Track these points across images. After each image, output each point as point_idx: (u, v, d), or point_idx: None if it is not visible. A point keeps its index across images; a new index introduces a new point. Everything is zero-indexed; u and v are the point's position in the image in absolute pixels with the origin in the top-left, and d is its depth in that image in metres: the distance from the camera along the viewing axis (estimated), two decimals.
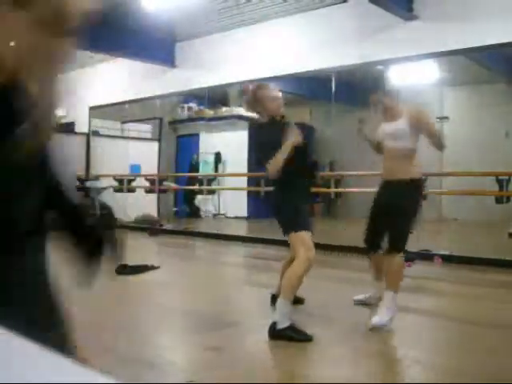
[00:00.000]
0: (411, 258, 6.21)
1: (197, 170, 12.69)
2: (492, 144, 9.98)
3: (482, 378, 2.55)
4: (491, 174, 6.69)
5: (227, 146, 12.87)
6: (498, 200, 6.52)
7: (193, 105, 13.32)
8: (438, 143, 3.51)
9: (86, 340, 3.30)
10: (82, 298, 4.48)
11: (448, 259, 6.04)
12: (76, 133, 11.36)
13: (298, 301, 3.60)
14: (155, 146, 11.39)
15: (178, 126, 13.64)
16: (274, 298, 3.54)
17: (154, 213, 11.06)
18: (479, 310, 4.05)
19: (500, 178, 6.30)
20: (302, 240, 3.22)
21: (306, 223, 3.34)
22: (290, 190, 3.38)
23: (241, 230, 10.74)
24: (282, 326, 3.05)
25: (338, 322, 3.60)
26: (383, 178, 3.71)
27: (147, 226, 9.85)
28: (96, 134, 11.33)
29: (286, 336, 3.03)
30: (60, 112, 12.20)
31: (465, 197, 8.93)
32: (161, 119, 11.62)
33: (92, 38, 8.46)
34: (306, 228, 3.29)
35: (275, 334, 3.05)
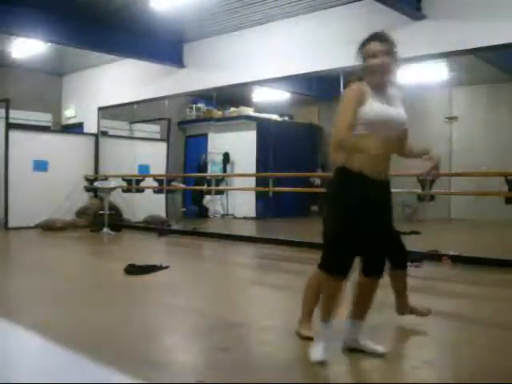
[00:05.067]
0: (419, 258, 6.19)
1: (205, 171, 12.72)
2: (502, 144, 9.91)
3: (493, 379, 2.54)
4: (501, 174, 6.63)
5: (236, 146, 12.89)
6: (508, 200, 6.47)
7: (201, 105, 13.36)
8: None
9: (96, 339, 3.33)
10: (92, 298, 4.53)
11: (457, 260, 6.01)
12: (85, 133, 11.42)
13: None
14: (164, 146, 11.42)
15: (186, 127, 13.67)
16: None
17: (162, 213, 11.10)
18: (489, 310, 4.03)
19: (510, 178, 6.25)
20: None
21: None
22: None
23: (249, 230, 10.75)
24: None
25: None
26: None
27: (156, 227, 9.88)
28: (105, 134, 11.37)
29: None
30: (69, 113, 12.30)
31: (474, 197, 8.88)
32: (169, 120, 11.64)
33: (101, 39, 8.55)
34: None
35: None
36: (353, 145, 2.62)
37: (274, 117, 13.08)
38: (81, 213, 10.48)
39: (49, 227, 9.58)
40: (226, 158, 13.00)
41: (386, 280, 4.94)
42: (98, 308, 4.02)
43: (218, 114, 13.05)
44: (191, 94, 11.23)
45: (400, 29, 6.69)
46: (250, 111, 12.79)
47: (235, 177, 12.54)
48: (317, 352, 2.75)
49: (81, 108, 11.95)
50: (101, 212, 9.70)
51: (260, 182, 10.82)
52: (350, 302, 2.92)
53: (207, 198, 12.69)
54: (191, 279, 5.48)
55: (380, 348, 2.86)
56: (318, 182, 11.28)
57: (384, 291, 3.96)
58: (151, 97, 10.33)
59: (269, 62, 8.21)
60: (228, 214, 13.04)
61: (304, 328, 3.16)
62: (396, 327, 3.50)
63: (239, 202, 12.71)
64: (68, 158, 10.45)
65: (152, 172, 10.92)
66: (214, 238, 8.85)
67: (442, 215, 10.40)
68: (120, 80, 10.77)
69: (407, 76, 9.73)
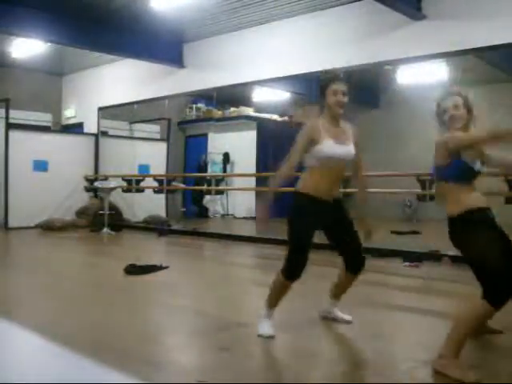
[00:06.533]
0: (419, 258, 6.20)
1: (205, 171, 12.73)
2: (501, 144, 9.89)
3: (493, 380, 2.54)
4: (501, 174, 6.64)
5: (236, 146, 12.90)
6: (508, 200, 6.48)
7: (201, 105, 13.36)
8: None
9: (96, 339, 3.33)
10: (92, 298, 4.53)
11: (456, 260, 6.00)
12: (85, 133, 11.42)
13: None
14: (164, 146, 11.43)
15: (186, 127, 13.68)
16: None
17: (162, 213, 11.10)
18: None
19: (510, 178, 6.25)
20: None
21: None
22: None
23: (249, 230, 10.75)
24: None
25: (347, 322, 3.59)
26: None
27: (156, 227, 9.88)
28: (105, 134, 11.37)
29: None
30: (69, 113, 12.30)
31: None
32: (169, 120, 11.65)
33: (101, 39, 8.55)
34: None
35: None
36: None
37: (274, 117, 13.09)
38: (81, 213, 10.48)
39: (49, 227, 9.59)
40: (226, 158, 13.01)
41: (380, 278, 4.94)
42: (98, 308, 4.02)
43: (218, 113, 13.06)
44: (191, 93, 11.23)
45: (400, 29, 6.71)
46: (250, 111, 12.79)
47: (235, 177, 12.54)
48: (266, 328, 3.22)
49: (81, 108, 11.95)
50: (101, 212, 9.70)
51: (260, 181, 10.81)
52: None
53: (207, 197, 12.70)
54: (191, 279, 5.48)
55: (347, 317, 3.46)
56: None
57: (380, 290, 3.97)
58: (151, 97, 10.33)
59: (269, 62, 8.21)
60: (228, 214, 13.05)
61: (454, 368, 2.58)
62: (397, 327, 3.50)
63: (239, 201, 12.72)
64: (68, 158, 10.45)
65: (152, 172, 10.92)
66: (214, 238, 8.85)
67: (442, 215, 10.39)
68: (120, 80, 10.77)
69: (407, 76, 9.76)
